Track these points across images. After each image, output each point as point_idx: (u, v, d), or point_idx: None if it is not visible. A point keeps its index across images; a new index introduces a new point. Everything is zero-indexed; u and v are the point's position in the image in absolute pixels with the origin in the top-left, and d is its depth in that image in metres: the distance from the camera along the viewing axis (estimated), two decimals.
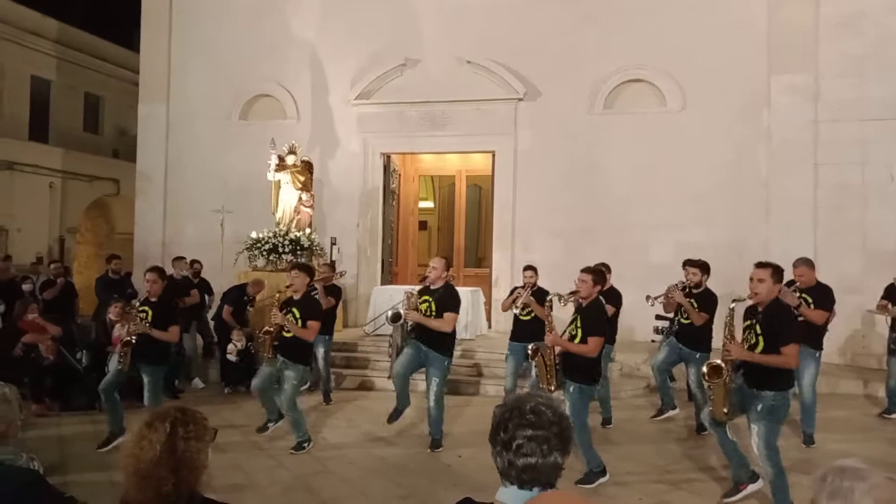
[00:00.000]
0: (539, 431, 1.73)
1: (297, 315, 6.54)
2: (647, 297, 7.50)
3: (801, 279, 6.61)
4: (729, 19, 10.91)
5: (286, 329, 6.54)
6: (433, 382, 6.66)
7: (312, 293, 8.60)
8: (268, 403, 6.88)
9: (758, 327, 4.84)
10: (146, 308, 6.63)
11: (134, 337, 6.46)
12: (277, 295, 6.94)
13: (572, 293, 5.94)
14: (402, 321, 6.62)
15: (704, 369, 4.95)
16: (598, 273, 5.96)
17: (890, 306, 7.80)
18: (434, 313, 6.61)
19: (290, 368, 6.59)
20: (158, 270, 6.86)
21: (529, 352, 5.96)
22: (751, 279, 4.93)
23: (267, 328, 6.58)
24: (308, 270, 7.01)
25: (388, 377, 7.35)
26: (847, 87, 10.44)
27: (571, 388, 5.68)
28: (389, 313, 6.71)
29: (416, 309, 6.64)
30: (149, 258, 12.66)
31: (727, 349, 4.85)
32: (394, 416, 6.88)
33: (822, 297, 6.62)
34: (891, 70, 10.26)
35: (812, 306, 6.53)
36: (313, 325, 6.64)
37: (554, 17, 11.54)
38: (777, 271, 4.91)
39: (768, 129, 10.79)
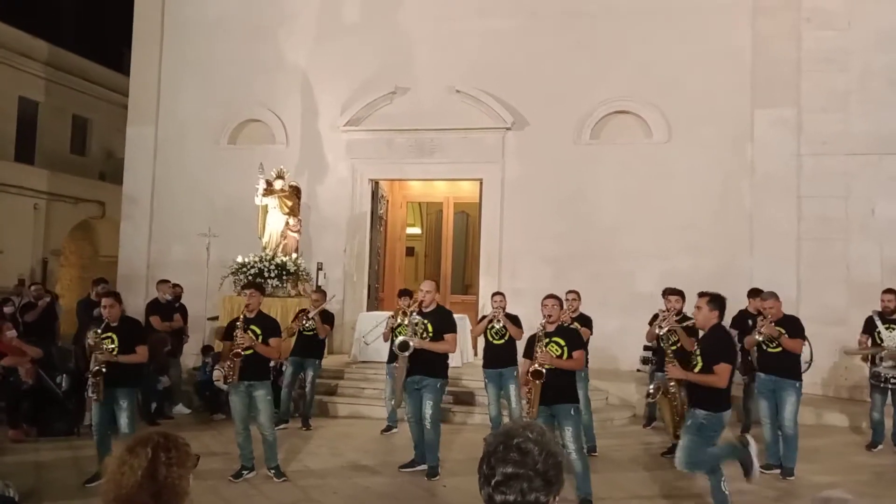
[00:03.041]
0: (520, 470, 1.66)
1: (258, 332, 6.50)
2: (656, 337, 7.33)
3: (771, 311, 6.82)
4: (714, 53, 11.10)
5: (245, 349, 6.42)
6: (427, 405, 6.62)
7: (308, 320, 8.66)
8: (246, 447, 6.60)
9: (698, 350, 5.33)
10: (109, 334, 6.31)
11: (103, 366, 6.15)
12: (241, 318, 6.65)
13: (548, 321, 5.94)
14: (410, 350, 6.55)
15: (650, 388, 5.51)
16: (558, 297, 6.23)
17: (868, 343, 7.88)
18: (431, 335, 6.61)
19: (257, 388, 6.53)
20: (114, 295, 6.65)
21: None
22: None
23: (237, 350, 6.42)
24: (262, 290, 7.05)
25: (392, 403, 7.55)
26: (830, 121, 10.62)
27: (572, 410, 5.75)
28: (398, 341, 6.63)
29: (418, 334, 6.60)
30: (133, 281, 12.58)
31: (667, 370, 5.39)
32: (410, 465, 6.84)
33: (794, 327, 6.83)
34: (874, 105, 10.45)
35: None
36: (276, 342, 6.61)
37: (542, 49, 11.70)
38: (714, 300, 5.29)
39: (752, 161, 10.94)
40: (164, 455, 2.04)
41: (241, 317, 6.61)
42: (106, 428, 6.33)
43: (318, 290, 9.93)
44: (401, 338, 6.61)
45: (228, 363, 6.45)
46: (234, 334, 6.48)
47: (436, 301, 6.82)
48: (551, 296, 6.11)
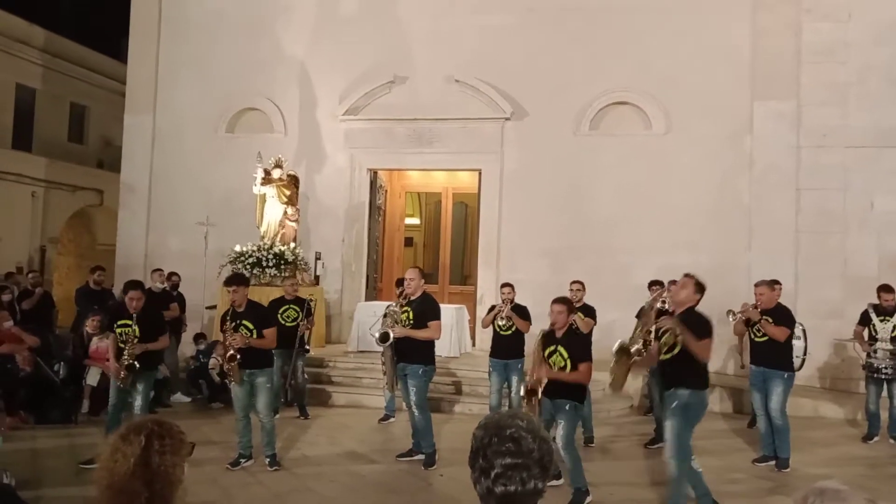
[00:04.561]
0: (518, 460, 1.66)
1: (251, 327, 6.43)
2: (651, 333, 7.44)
3: (761, 298, 6.91)
4: (713, 45, 11.05)
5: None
6: (411, 391, 6.69)
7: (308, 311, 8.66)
8: (245, 435, 6.59)
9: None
10: (130, 323, 6.42)
11: (135, 361, 6.34)
12: (229, 314, 6.52)
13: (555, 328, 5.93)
14: (390, 341, 6.61)
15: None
16: (569, 301, 6.14)
17: (865, 335, 7.97)
18: (412, 323, 6.66)
19: (258, 376, 6.50)
20: (142, 287, 6.79)
21: (524, 392, 5.89)
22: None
23: (231, 354, 6.31)
24: (246, 282, 6.87)
25: (388, 389, 7.57)
26: (830, 114, 10.59)
27: (567, 406, 5.68)
28: (377, 334, 6.70)
29: (399, 322, 6.67)
30: (131, 270, 12.52)
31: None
32: (407, 454, 6.91)
33: (781, 316, 6.90)
34: (873, 99, 10.43)
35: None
36: (270, 332, 6.57)
37: (542, 39, 11.65)
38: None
39: (751, 153, 10.91)
40: (157, 443, 2.02)
41: (230, 312, 6.49)
42: (120, 412, 6.45)
43: (292, 276, 10.16)
44: (381, 329, 6.68)
45: (227, 367, 6.40)
46: (224, 336, 6.42)
47: (421, 288, 6.83)
48: (559, 300, 5.90)
